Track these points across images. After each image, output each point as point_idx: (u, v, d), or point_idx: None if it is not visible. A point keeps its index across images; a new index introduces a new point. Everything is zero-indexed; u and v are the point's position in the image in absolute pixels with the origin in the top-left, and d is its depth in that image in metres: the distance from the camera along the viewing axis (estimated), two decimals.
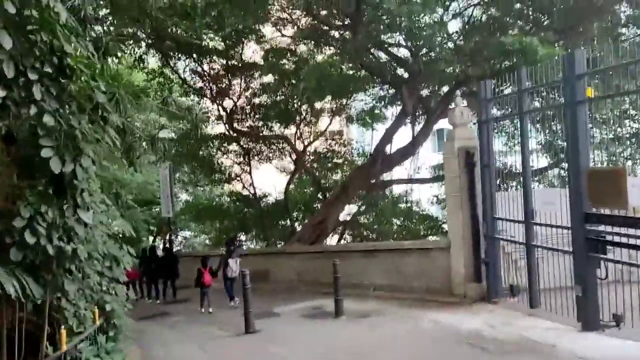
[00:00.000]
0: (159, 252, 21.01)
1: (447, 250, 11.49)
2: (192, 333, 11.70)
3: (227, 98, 23.05)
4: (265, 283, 17.44)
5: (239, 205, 25.59)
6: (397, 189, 25.45)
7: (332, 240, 23.47)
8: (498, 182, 11.06)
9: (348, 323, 10.57)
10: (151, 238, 34.34)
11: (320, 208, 21.15)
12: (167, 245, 25.05)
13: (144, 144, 22.99)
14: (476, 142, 10.93)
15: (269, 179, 26.34)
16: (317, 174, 24.92)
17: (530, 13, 15.86)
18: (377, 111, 24.25)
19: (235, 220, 25.56)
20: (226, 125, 23.33)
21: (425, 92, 20.47)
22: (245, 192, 25.55)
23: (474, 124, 11.52)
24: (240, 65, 22.11)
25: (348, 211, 24.30)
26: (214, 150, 24.13)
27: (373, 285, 13.37)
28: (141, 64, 20.04)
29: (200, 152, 23.78)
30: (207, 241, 30.93)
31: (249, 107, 23.73)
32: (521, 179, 9.98)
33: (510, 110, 10.86)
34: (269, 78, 23.04)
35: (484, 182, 10.60)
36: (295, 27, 21.26)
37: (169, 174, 23.21)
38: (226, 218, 25.71)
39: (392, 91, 21.36)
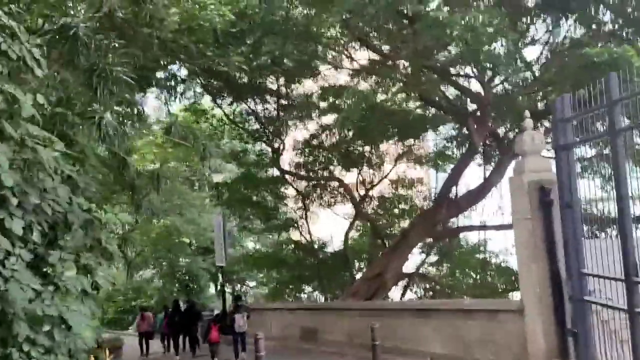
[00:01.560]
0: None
1: (519, 314, 8.95)
2: None
3: (282, 140, 21.73)
4: (313, 344, 15.33)
5: (297, 254, 23.83)
6: (474, 238, 22.79)
7: (395, 296, 21.04)
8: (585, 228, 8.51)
9: None
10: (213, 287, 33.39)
11: (378, 259, 18.87)
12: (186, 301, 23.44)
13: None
14: (553, 175, 8.52)
15: (329, 226, 24.57)
16: (380, 220, 22.82)
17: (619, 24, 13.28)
18: (448, 152, 22.24)
19: (293, 271, 23.79)
20: (282, 169, 21.92)
21: (500, 130, 18.24)
22: (303, 241, 23.80)
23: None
24: (296, 104, 20.83)
25: (417, 262, 21.89)
26: (270, 195, 22.73)
27: (429, 353, 10.91)
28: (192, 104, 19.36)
29: (255, 197, 22.46)
30: (265, 291, 29.26)
31: (306, 149, 22.29)
32: (617, 221, 7.43)
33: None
34: (328, 119, 21.68)
35: (565, 227, 8.09)
36: (353, 63, 19.77)
37: (223, 220, 22.00)
38: (284, 268, 24.00)
39: (464, 131, 19.24)
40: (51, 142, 5.86)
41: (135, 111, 11.91)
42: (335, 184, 22.84)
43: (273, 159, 21.06)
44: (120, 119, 9.73)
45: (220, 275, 24.22)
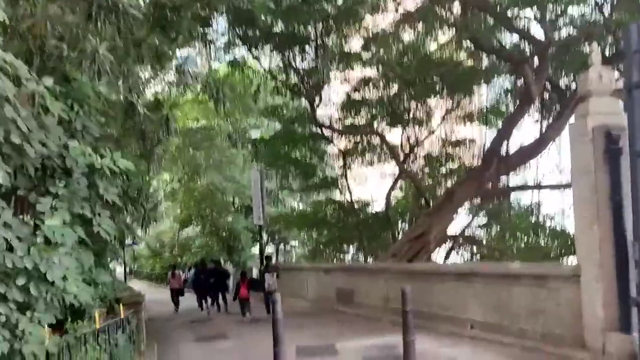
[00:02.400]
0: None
1: (575, 280, 7.78)
2: None
3: (321, 94, 20.60)
4: (349, 306, 14.59)
5: (337, 214, 22.95)
6: (527, 199, 21.25)
7: (439, 258, 19.92)
8: None
9: None
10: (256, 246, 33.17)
11: (421, 219, 17.72)
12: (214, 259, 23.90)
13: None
14: (623, 119, 7.15)
15: (371, 186, 23.53)
16: (424, 180, 21.58)
17: None
18: (501, 107, 20.60)
19: (334, 231, 23.00)
20: (321, 122, 20.85)
21: (561, 82, 16.57)
22: (344, 200, 22.87)
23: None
24: (336, 56, 19.57)
25: (463, 224, 20.61)
26: (309, 153, 21.79)
27: (470, 321, 9.91)
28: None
29: (294, 154, 21.59)
30: (306, 252, 28.67)
31: (348, 104, 21.09)
32: None
33: None
34: (371, 71, 20.40)
35: (635, 180, 6.79)
36: (399, 7, 18.23)
37: (260, 177, 21.31)
38: (324, 228, 23.23)
39: (520, 83, 17.60)
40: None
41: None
42: (378, 141, 21.66)
43: (311, 114, 19.98)
44: (136, 58, 8.92)
45: (260, 234, 23.63)
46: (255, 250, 34.01)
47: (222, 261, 29.46)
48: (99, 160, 6.19)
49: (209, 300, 18.81)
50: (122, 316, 8.38)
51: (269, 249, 36.48)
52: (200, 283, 19.01)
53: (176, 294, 20.51)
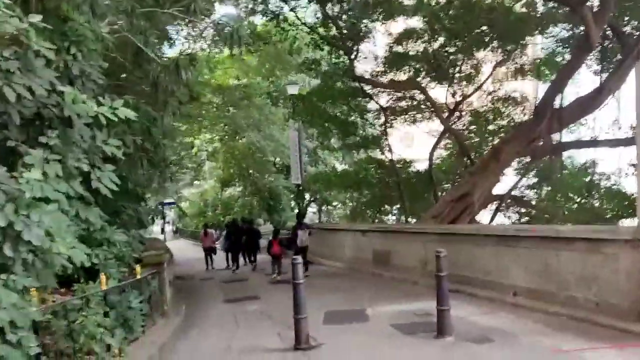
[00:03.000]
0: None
1: (634, 245, 6.84)
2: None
3: (360, 46, 19.52)
4: (384, 269, 13.98)
5: (378, 173, 22.16)
6: (581, 157, 19.87)
7: (484, 220, 18.95)
8: None
9: (451, 352, 6.64)
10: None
11: (464, 178, 16.71)
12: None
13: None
14: None
15: (415, 145, 22.56)
16: (471, 138, 20.44)
17: None
18: (556, 59, 19.07)
19: (374, 191, 22.28)
20: (360, 76, 19.84)
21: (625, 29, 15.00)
22: (385, 159, 22.01)
23: None
24: (377, 4, 18.39)
25: (511, 184, 19.44)
26: (348, 109, 20.91)
27: (513, 287, 9.10)
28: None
29: (333, 111, 20.77)
30: (346, 212, 28.12)
31: (390, 57, 19.95)
32: None
33: None
34: (415, 22, 19.16)
35: None
36: None
37: (298, 135, 20.70)
38: (364, 188, 22.52)
39: (578, 31, 16.06)
40: None
41: None
42: (422, 97, 20.53)
43: (350, 68, 19.00)
44: None
45: (298, 194, 23.13)
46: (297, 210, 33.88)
47: (261, 221, 29.55)
48: (95, 108, 5.64)
49: (240, 259, 19.33)
50: (138, 277, 8.03)
51: (311, 210, 36.26)
52: (231, 242, 19.41)
53: (209, 253, 20.94)
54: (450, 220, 15.14)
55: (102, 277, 6.55)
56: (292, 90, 20.66)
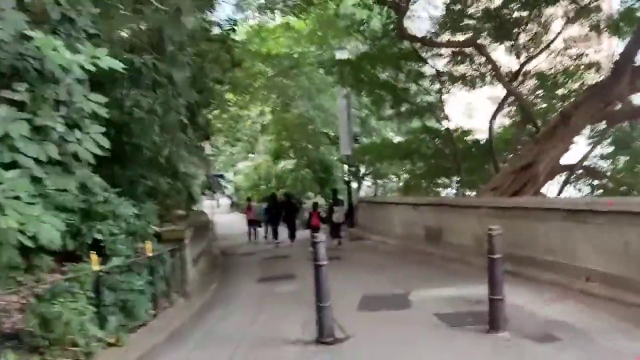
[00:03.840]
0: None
1: None
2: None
3: (414, 5, 17.91)
4: (436, 246, 12.71)
5: (433, 143, 20.63)
6: None
7: (551, 193, 17.12)
8: None
9: (504, 355, 5.40)
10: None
11: (528, 146, 14.98)
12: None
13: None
14: None
15: (473, 112, 20.79)
16: (537, 104, 18.52)
17: None
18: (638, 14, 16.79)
19: (429, 162, 20.80)
20: (412, 35, 18.22)
21: None
22: (440, 128, 20.45)
23: None
24: None
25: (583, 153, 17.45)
26: (401, 75, 19.41)
27: (585, 271, 7.66)
28: None
29: (384, 77, 19.35)
30: (400, 184, 26.68)
31: (446, 16, 18.20)
32: None
33: None
34: None
35: None
36: None
37: (347, 103, 19.46)
38: (418, 159, 21.08)
39: None
40: None
41: None
42: (482, 60, 18.73)
43: (401, 26, 17.38)
44: None
45: (349, 165, 21.90)
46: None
47: (311, 194, 28.72)
48: (69, 57, 4.73)
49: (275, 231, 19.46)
50: (149, 254, 7.22)
51: (366, 183, 35.01)
52: (270, 215, 19.67)
53: (252, 226, 21.51)
54: (512, 193, 13.58)
55: (93, 256, 5.73)
56: (341, 55, 19.36)
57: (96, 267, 5.67)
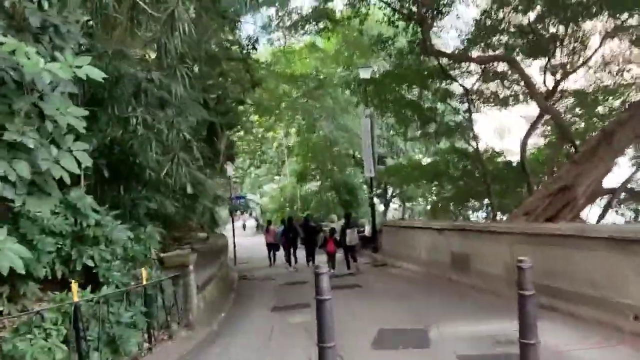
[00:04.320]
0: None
1: None
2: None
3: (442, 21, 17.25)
4: (464, 274, 11.76)
5: (462, 165, 19.73)
6: None
7: (590, 218, 15.99)
8: None
9: None
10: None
11: (565, 167, 13.97)
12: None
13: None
14: None
15: (504, 132, 19.85)
16: (574, 123, 17.54)
17: None
18: None
19: (458, 184, 19.87)
20: (441, 51, 17.54)
21: None
22: (469, 149, 19.57)
23: None
24: None
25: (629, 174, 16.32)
26: (428, 93, 18.71)
27: (634, 309, 6.72)
28: None
29: (408, 95, 18.66)
30: (428, 207, 25.70)
31: (476, 31, 17.49)
32: None
33: None
34: None
35: None
36: None
37: (371, 123, 18.78)
38: (446, 181, 20.18)
39: None
40: None
41: None
42: (514, 76, 17.92)
43: (427, 42, 16.70)
44: None
45: (370, 187, 21.11)
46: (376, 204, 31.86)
47: (335, 217, 27.92)
48: (42, 65, 4.20)
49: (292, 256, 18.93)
50: (144, 282, 6.61)
51: (393, 206, 34.09)
52: (287, 239, 19.21)
53: (271, 249, 20.95)
54: (547, 218, 12.59)
55: (73, 285, 5.13)
56: (365, 73, 18.76)
57: (76, 297, 5.07)
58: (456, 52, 17.67)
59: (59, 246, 6.03)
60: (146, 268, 6.86)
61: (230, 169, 22.99)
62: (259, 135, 36.54)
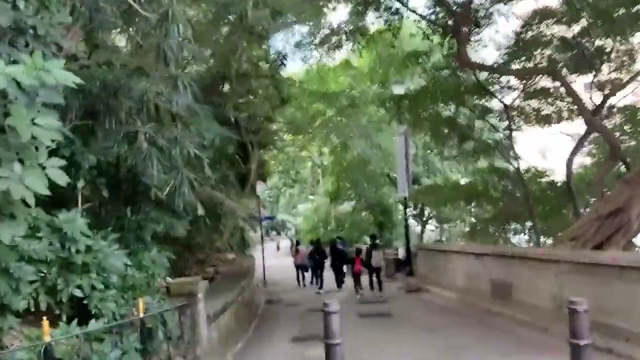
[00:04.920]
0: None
1: None
2: None
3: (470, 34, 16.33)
4: (505, 305, 10.72)
5: (502, 185, 18.60)
6: None
7: None
8: None
9: None
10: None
11: (617, 188, 12.77)
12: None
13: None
14: None
15: (548, 151, 18.68)
16: (625, 140, 16.30)
17: None
18: None
19: (497, 206, 18.74)
20: (481, 68, 16.61)
21: None
22: (510, 168, 18.45)
23: None
24: None
25: None
26: (464, 110, 17.78)
27: None
28: None
29: (446, 112, 17.77)
30: (466, 229, 24.43)
31: (517, 45, 16.56)
32: None
33: None
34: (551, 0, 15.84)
35: None
36: None
37: (405, 141, 17.91)
38: (485, 202, 19.06)
39: None
40: None
41: None
42: (558, 92, 16.84)
43: (460, 53, 15.79)
44: None
45: (405, 208, 20.12)
46: (412, 225, 30.75)
47: (367, 239, 27.10)
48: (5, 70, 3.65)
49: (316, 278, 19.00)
50: (140, 315, 5.95)
51: (429, 228, 32.88)
52: (315, 261, 19.08)
53: (301, 271, 20.74)
54: (596, 244, 11.46)
55: (44, 322, 4.49)
56: (399, 89, 18.01)
57: (47, 336, 4.43)
58: (495, 66, 16.72)
59: (42, 274, 5.46)
60: (143, 299, 6.20)
61: (259, 188, 22.43)
62: (293, 155, 36.07)
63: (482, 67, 16.17)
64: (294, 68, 36.70)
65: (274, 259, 28.13)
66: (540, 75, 16.94)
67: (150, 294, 6.53)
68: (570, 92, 15.46)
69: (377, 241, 18.13)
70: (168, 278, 7.93)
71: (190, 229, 12.17)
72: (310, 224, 40.59)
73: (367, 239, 28.25)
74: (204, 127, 8.43)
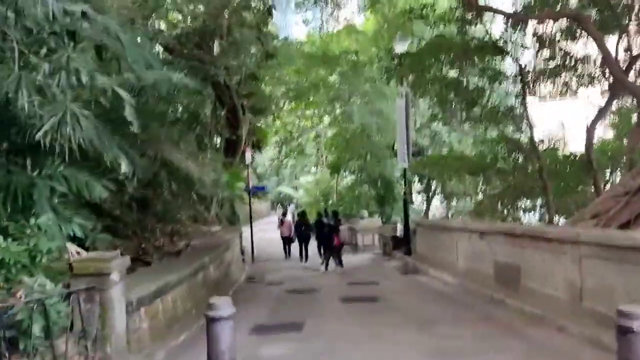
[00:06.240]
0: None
1: None
2: None
3: None
4: (510, 293, 9.03)
5: (513, 157, 16.72)
6: None
7: None
8: None
9: None
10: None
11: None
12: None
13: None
14: None
15: (565, 120, 16.77)
16: None
17: None
18: None
19: (507, 180, 16.87)
20: (492, 11, 14.67)
21: None
22: (523, 138, 16.58)
23: None
24: None
25: None
26: (474, 70, 15.82)
27: None
28: None
29: (452, 74, 15.85)
30: (472, 204, 22.60)
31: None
32: None
33: None
34: None
35: None
36: None
37: (406, 105, 16.07)
38: (494, 175, 17.20)
39: None
40: None
41: None
42: (581, 53, 14.89)
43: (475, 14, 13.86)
44: None
45: (405, 181, 18.25)
46: (417, 201, 29.09)
47: (365, 213, 25.57)
48: None
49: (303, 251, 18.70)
50: (18, 300, 4.31)
51: (436, 202, 31.11)
52: (299, 234, 18.94)
53: (286, 242, 20.55)
54: (623, 224, 9.69)
55: None
56: (401, 46, 16.10)
57: None
58: (514, 20, 14.73)
59: None
60: (24, 279, 4.56)
61: (248, 155, 20.77)
62: (292, 125, 34.44)
63: (493, 10, 14.17)
64: (297, 33, 34.90)
65: (272, 233, 26.53)
66: (561, 34, 15.04)
67: (34, 273, 4.89)
68: (599, 42, 13.45)
69: (340, 218, 17.72)
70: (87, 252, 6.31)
71: (145, 195, 10.58)
72: (311, 197, 39.02)
73: (365, 213, 26.68)
74: (131, 59, 6.64)
